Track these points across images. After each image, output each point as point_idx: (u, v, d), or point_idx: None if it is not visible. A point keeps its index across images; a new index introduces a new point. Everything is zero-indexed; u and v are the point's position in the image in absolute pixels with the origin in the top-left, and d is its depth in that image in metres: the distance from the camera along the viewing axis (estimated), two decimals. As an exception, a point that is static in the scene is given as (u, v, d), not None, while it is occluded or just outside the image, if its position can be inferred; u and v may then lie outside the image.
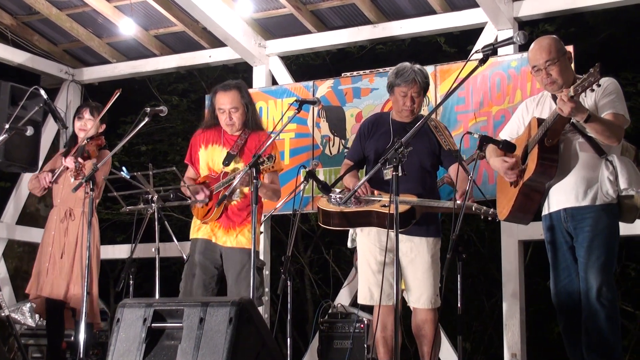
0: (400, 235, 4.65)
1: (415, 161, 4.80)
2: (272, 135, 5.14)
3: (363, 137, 5.11)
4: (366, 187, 4.83)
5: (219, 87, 5.45)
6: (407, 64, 5.02)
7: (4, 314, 6.54)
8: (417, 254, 4.81)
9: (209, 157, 5.44)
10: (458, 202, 4.58)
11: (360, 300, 5.01)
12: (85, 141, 5.88)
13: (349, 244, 5.61)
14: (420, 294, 4.80)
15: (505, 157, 4.53)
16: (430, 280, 4.80)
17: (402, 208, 4.50)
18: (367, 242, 4.94)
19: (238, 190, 5.19)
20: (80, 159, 5.71)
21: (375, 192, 4.86)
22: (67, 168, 5.86)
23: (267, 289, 7.24)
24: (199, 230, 5.43)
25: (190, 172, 5.58)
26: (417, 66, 5.01)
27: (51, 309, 5.96)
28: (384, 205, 4.73)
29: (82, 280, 5.53)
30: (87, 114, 6.08)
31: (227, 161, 5.34)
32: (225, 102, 5.35)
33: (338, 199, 4.93)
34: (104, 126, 6.10)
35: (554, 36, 4.56)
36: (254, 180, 4.76)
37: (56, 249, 5.92)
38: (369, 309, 5.74)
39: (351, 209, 4.83)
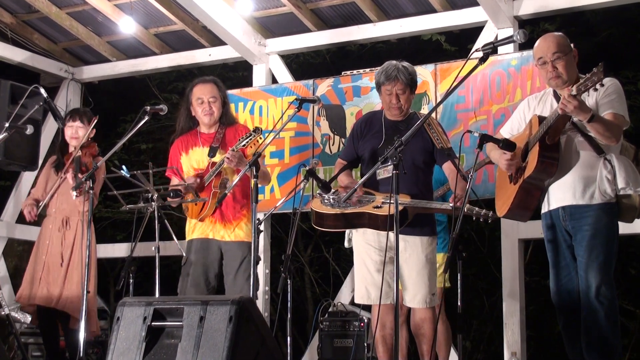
0: (392, 235, 4.63)
1: (407, 159, 4.74)
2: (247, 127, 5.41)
3: (356, 137, 5.09)
4: (360, 190, 4.81)
5: (196, 80, 5.63)
6: (392, 62, 4.97)
7: (4, 312, 6.53)
8: (411, 254, 4.77)
9: (192, 160, 5.52)
10: (451, 205, 4.58)
11: (357, 300, 4.99)
12: (79, 152, 5.86)
13: (346, 244, 5.61)
14: (415, 294, 4.77)
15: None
16: (425, 280, 4.77)
17: (393, 209, 4.47)
18: (362, 241, 4.92)
19: (237, 181, 5.19)
20: (79, 175, 5.70)
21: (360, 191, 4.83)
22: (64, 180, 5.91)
23: (267, 288, 7.24)
24: (193, 231, 5.45)
25: (174, 182, 5.59)
26: (403, 63, 4.95)
27: (43, 318, 5.96)
28: (377, 207, 4.71)
29: (82, 280, 5.53)
30: (77, 122, 6.05)
31: (212, 153, 5.44)
32: (204, 93, 5.49)
33: (331, 200, 4.91)
34: (94, 131, 6.07)
35: (562, 33, 4.57)
36: (254, 180, 4.77)
37: (50, 258, 5.91)
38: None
39: (343, 211, 4.81)
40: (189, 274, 5.39)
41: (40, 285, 5.88)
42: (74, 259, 5.87)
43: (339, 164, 5.17)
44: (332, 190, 4.99)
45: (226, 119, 5.56)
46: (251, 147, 5.19)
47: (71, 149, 6.05)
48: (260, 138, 5.24)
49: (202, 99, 5.47)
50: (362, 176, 5.09)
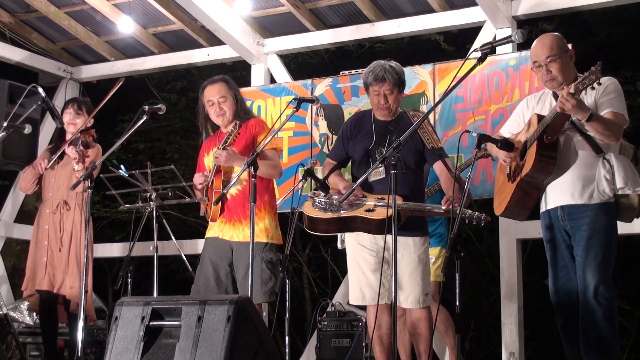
0: (387, 236, 4.61)
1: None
2: (260, 120, 5.24)
3: (346, 138, 5.05)
4: (358, 191, 4.79)
5: (205, 82, 5.51)
6: (380, 62, 4.92)
7: (2, 312, 6.53)
8: (404, 254, 4.74)
9: (210, 161, 5.44)
10: (443, 207, 4.57)
11: (352, 301, 4.97)
12: (78, 134, 5.87)
13: (339, 245, 5.59)
14: (408, 294, 4.74)
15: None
16: (418, 280, 4.75)
17: (386, 213, 4.46)
18: (355, 243, 4.90)
19: (236, 180, 5.13)
20: (81, 147, 5.71)
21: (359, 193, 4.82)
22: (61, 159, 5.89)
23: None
24: (209, 230, 5.40)
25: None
26: (390, 63, 4.90)
27: (45, 304, 5.95)
28: (369, 210, 4.69)
29: (79, 277, 5.52)
30: (75, 108, 6.07)
31: None
32: (213, 94, 5.37)
33: (323, 204, 4.89)
34: (92, 120, 6.08)
35: (557, 34, 4.56)
36: (252, 179, 4.75)
37: (53, 242, 5.91)
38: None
39: (335, 215, 4.79)
40: (204, 273, 5.32)
41: (47, 270, 5.87)
42: (74, 246, 5.86)
43: (328, 164, 5.12)
44: (324, 194, 4.94)
45: (240, 116, 5.39)
46: (234, 139, 5.12)
47: (68, 135, 6.05)
48: (239, 132, 5.20)
49: (212, 101, 5.37)
50: (352, 177, 5.08)
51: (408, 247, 4.76)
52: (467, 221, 4.52)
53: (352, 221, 4.75)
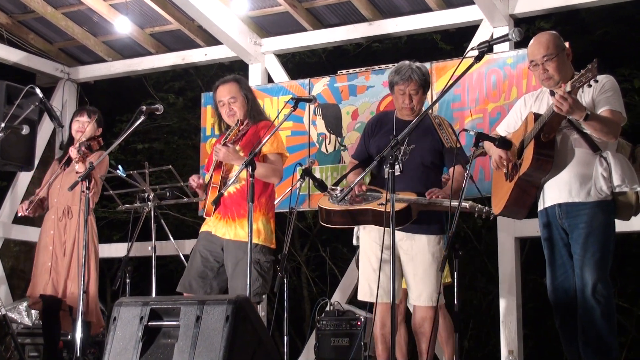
0: (401, 233, 4.67)
1: (416, 158, 4.81)
2: (269, 123, 5.20)
3: (367, 136, 5.11)
4: (360, 186, 4.82)
5: (217, 82, 5.47)
6: (406, 62, 5.01)
7: (1, 313, 6.54)
8: (418, 252, 4.79)
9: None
10: (455, 202, 4.57)
11: (360, 297, 5.00)
12: (84, 139, 5.90)
13: (354, 242, 5.60)
14: (421, 292, 4.79)
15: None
16: (431, 278, 4.78)
17: (398, 207, 4.48)
18: (368, 239, 4.94)
19: (234, 179, 5.11)
20: (83, 148, 5.71)
21: (364, 187, 4.85)
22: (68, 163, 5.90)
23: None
24: (205, 224, 5.39)
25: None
26: (416, 64, 5.00)
27: (48, 309, 5.95)
28: (382, 204, 4.72)
29: (78, 278, 5.52)
30: (84, 117, 6.09)
31: None
32: (223, 94, 5.34)
33: (339, 197, 4.93)
34: (100, 130, 6.11)
35: (554, 32, 4.56)
36: (250, 179, 4.74)
37: (57, 247, 5.92)
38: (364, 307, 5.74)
39: (350, 207, 4.82)
40: (193, 266, 5.30)
41: (51, 275, 5.88)
42: (76, 250, 5.87)
43: (351, 163, 5.22)
44: (341, 189, 4.99)
45: (252, 117, 5.34)
46: (232, 137, 5.11)
47: (76, 143, 6.07)
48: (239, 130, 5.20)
49: (223, 101, 5.33)
50: (372, 175, 5.11)
51: (423, 245, 4.80)
52: (475, 215, 4.55)
53: (364, 214, 4.80)
